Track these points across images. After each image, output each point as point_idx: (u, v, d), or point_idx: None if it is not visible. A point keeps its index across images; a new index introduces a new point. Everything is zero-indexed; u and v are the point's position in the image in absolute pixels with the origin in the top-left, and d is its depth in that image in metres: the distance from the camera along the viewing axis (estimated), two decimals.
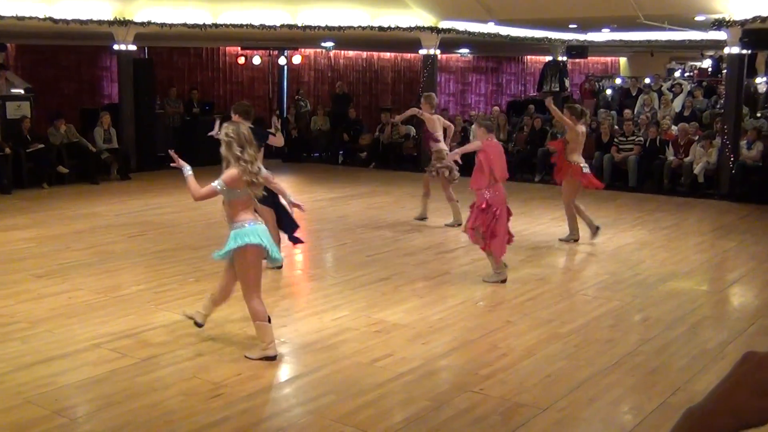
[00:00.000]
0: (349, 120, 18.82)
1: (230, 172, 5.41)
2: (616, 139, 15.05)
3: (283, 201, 7.04)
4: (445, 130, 10.81)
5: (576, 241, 9.86)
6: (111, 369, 5.44)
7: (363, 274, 8.18)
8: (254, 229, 5.49)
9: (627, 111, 16.51)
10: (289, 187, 15.01)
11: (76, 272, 8.09)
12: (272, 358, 5.60)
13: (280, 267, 8.03)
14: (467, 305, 7.15)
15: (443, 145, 10.73)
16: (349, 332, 6.29)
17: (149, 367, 5.49)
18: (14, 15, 13.01)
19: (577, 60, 23.33)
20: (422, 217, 11.14)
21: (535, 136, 16.17)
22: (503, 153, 7.89)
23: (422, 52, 16.54)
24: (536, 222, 11.14)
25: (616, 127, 15.79)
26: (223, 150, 5.47)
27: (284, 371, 5.60)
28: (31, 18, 13.25)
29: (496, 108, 19.16)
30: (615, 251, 9.43)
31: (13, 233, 10.07)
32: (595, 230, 9.81)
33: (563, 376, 5.44)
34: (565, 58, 20.61)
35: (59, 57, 16.58)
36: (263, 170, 5.81)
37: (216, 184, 5.44)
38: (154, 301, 7.09)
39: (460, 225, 9.83)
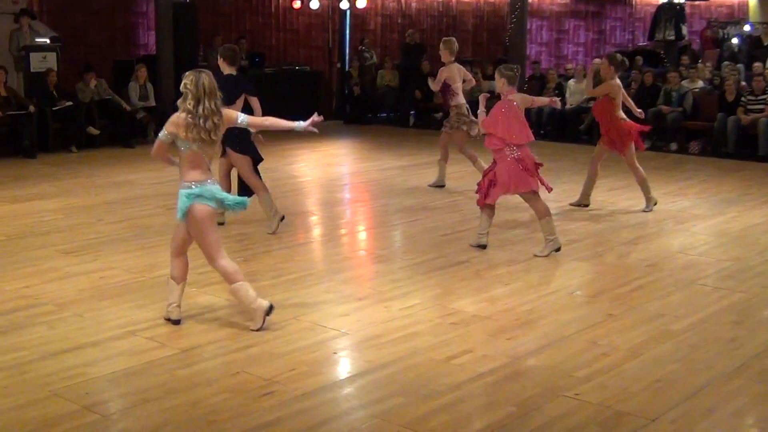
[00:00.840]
0: (421, 74, 18.69)
1: (172, 117, 5.80)
2: (743, 99, 14.68)
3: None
4: (463, 82, 11.22)
5: (656, 204, 10.16)
6: (148, 360, 5.57)
7: (437, 256, 8.18)
8: (203, 190, 5.90)
9: (757, 64, 16.08)
10: (351, 153, 15.21)
11: (108, 248, 8.28)
12: (271, 309, 6.04)
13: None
14: (561, 295, 7.09)
15: (462, 99, 11.22)
16: (421, 324, 6.31)
17: (191, 359, 5.60)
18: None
19: (697, 2, 22.74)
20: (439, 184, 11.48)
21: (645, 94, 15.85)
22: (520, 111, 8.13)
23: None
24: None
25: (744, 83, 15.39)
26: (179, 101, 5.84)
27: (345, 367, 5.66)
28: None
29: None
30: (741, 233, 9.23)
31: (37, 203, 10.36)
32: (581, 204, 10.23)
33: (676, 381, 5.36)
34: (682, 0, 20.12)
35: (89, 1, 16.89)
36: (242, 118, 6.10)
37: (160, 134, 5.87)
38: (196, 283, 7.21)
39: None
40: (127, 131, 14.97)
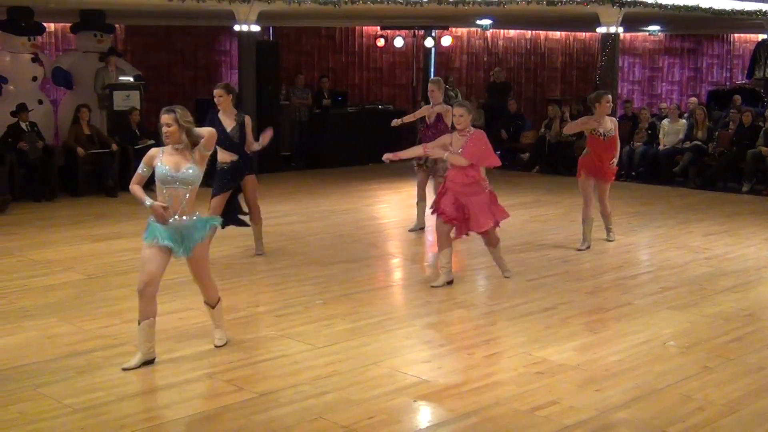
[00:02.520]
0: (508, 114, 18.75)
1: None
2: None
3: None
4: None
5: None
6: (224, 404, 5.64)
7: (523, 302, 8.12)
8: None
9: None
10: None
11: (186, 289, 8.41)
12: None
13: None
14: (653, 345, 6.97)
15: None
16: (505, 373, 6.26)
17: (267, 404, 5.65)
18: None
19: None
20: (420, 227, 11.51)
21: (744, 135, 15.56)
22: None
23: (600, 30, 16.26)
24: (744, 243, 10.71)
25: None
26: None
27: (425, 416, 5.64)
28: None
29: (694, 99, 18.61)
30: None
31: (117, 242, 10.64)
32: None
33: None
34: None
35: (173, 40, 17.38)
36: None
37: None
38: (274, 326, 7.29)
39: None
40: (209, 171, 15.22)
